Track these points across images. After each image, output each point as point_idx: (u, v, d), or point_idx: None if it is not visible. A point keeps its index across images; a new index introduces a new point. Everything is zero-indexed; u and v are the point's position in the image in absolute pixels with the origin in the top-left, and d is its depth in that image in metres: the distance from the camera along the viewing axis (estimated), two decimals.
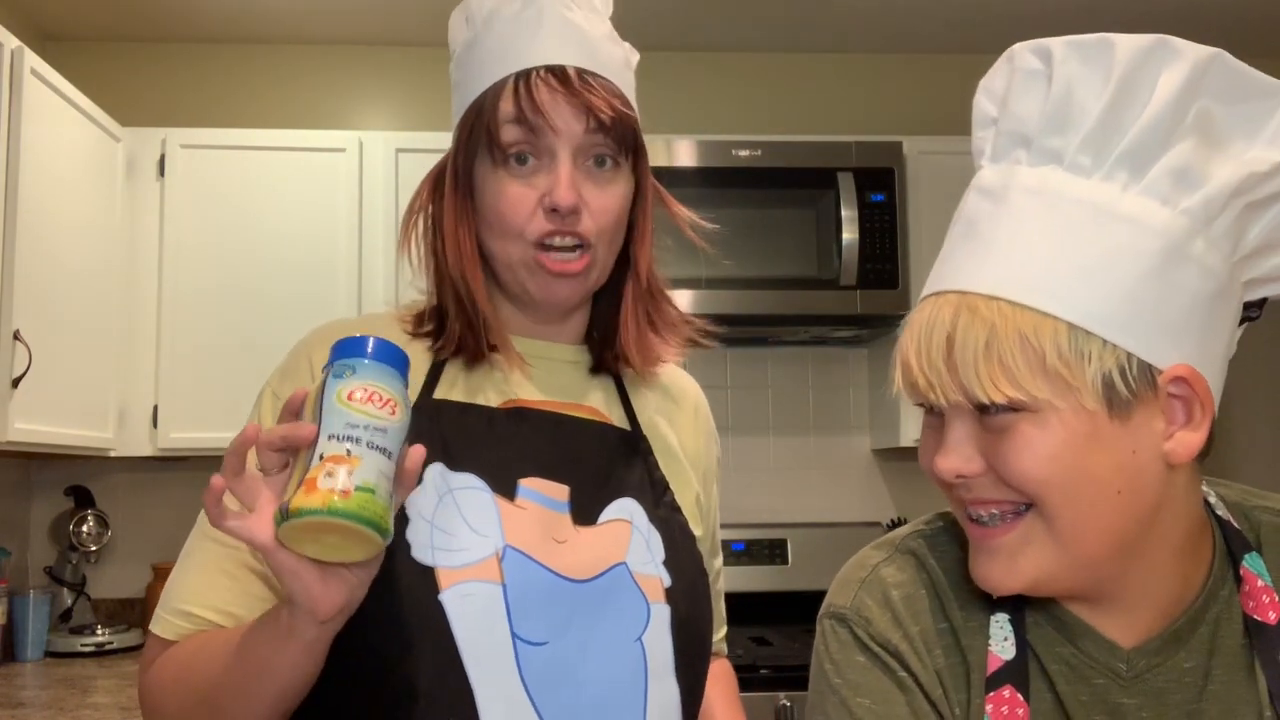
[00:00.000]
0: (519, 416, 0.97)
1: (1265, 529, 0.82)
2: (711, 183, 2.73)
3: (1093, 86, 0.73)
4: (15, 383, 2.15)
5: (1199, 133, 0.72)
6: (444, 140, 2.99)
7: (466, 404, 0.96)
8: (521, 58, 0.93)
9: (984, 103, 0.81)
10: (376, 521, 0.71)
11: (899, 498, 3.18)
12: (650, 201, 1.02)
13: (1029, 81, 0.76)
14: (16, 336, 2.16)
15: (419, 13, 2.97)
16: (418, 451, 0.77)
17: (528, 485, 0.94)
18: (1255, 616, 0.78)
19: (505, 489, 0.93)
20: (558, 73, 0.92)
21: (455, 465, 0.92)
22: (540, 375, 1.01)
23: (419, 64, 3.16)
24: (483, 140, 0.94)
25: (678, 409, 1.10)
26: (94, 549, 2.82)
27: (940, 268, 0.77)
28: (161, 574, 2.82)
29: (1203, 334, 0.72)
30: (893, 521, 3.09)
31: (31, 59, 2.23)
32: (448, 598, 0.87)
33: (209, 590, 0.90)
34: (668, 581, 0.96)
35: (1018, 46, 0.78)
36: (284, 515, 0.71)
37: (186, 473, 2.96)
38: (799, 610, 2.71)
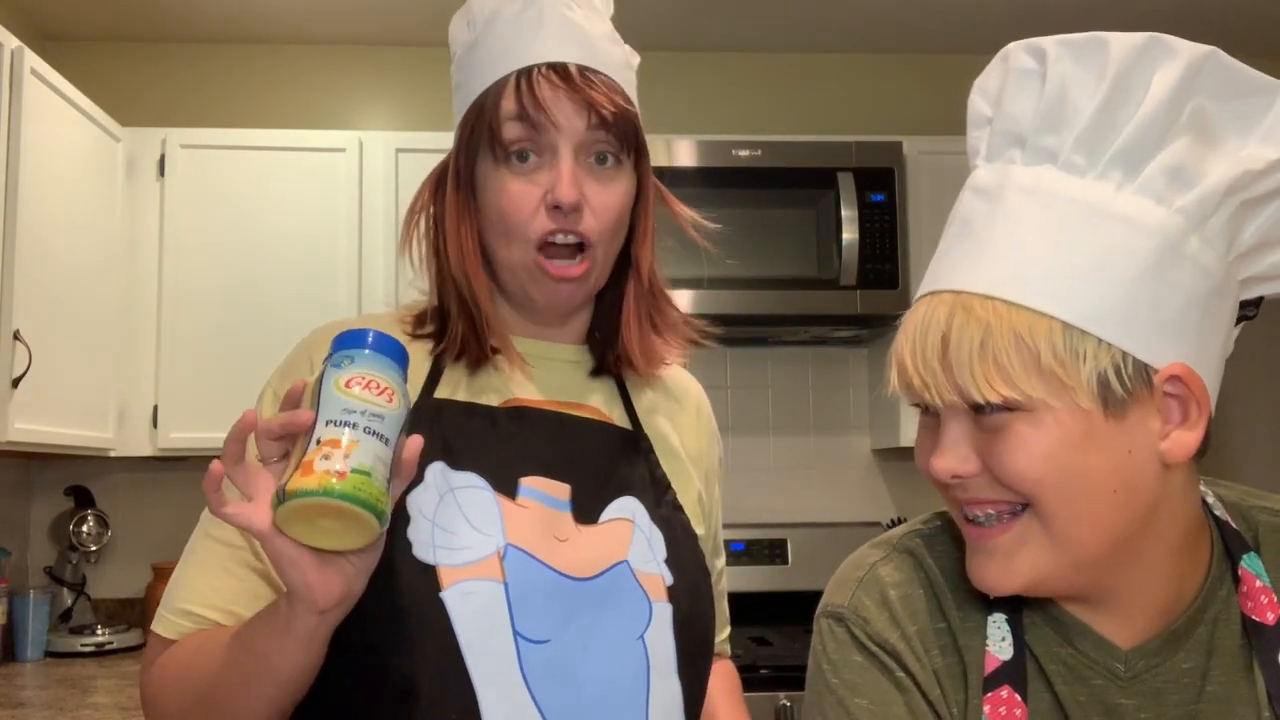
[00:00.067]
0: (520, 416, 0.97)
1: (1263, 529, 0.82)
2: (711, 183, 2.73)
3: (1086, 85, 0.73)
4: (15, 383, 2.15)
5: (1193, 131, 0.72)
6: (444, 140, 2.98)
7: (468, 403, 0.96)
8: (523, 56, 0.94)
9: (978, 102, 0.81)
10: (372, 504, 0.72)
11: (899, 498, 3.18)
12: (651, 200, 1.02)
13: (1023, 81, 0.76)
14: (16, 336, 2.16)
15: (419, 13, 2.97)
16: (415, 442, 0.77)
17: (529, 484, 0.94)
18: (1253, 617, 0.78)
19: (507, 488, 0.93)
20: (559, 69, 0.93)
21: (456, 464, 0.92)
22: (541, 375, 1.01)
23: (419, 64, 3.16)
24: (484, 138, 0.94)
25: (679, 409, 1.10)
26: (94, 549, 2.82)
27: (935, 267, 0.77)
28: (161, 574, 2.82)
29: (1198, 333, 0.72)
30: (892, 521, 3.09)
31: (31, 59, 2.24)
32: (449, 596, 0.87)
33: (211, 589, 0.91)
34: (669, 580, 0.96)
35: (1012, 46, 0.78)
36: (280, 498, 0.72)
37: (186, 473, 2.96)
38: (799, 610, 2.71)
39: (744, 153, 2.75)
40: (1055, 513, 0.72)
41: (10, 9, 2.85)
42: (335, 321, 1.03)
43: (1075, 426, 0.70)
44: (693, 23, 3.07)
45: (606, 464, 0.98)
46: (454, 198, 0.97)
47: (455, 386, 0.97)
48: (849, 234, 2.72)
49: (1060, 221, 0.72)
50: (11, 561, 2.68)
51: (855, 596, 0.83)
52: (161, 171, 2.71)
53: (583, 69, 0.93)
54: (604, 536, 0.95)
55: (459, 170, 0.97)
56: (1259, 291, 0.77)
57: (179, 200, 2.70)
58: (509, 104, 0.92)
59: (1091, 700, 0.77)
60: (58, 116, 2.38)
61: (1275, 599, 0.78)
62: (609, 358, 1.03)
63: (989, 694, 0.77)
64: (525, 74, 0.93)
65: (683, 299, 2.65)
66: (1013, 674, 0.77)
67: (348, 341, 0.78)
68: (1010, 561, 0.74)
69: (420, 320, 1.01)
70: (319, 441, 0.72)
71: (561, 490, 0.95)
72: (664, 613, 0.94)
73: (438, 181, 1.01)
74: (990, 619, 0.80)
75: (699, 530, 1.03)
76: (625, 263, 1.01)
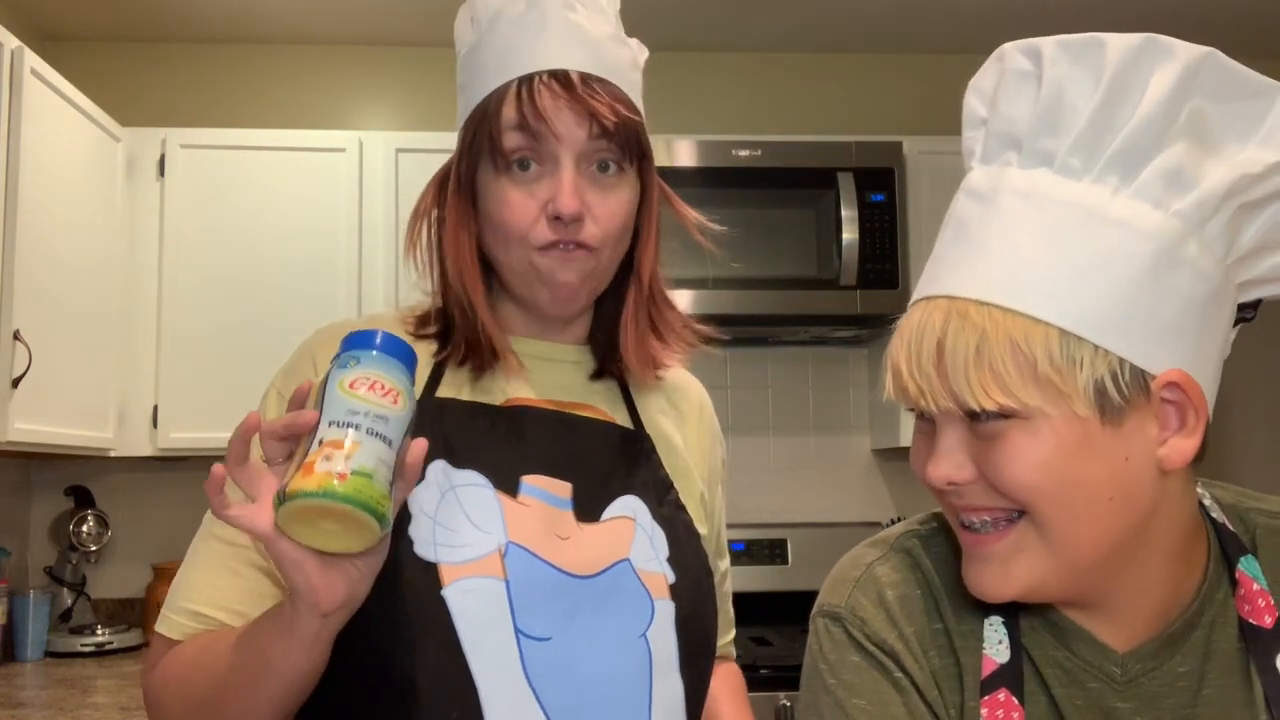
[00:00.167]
0: (522, 414, 0.97)
1: (1261, 531, 0.82)
2: (711, 183, 2.73)
3: (1083, 87, 0.72)
4: (15, 383, 2.15)
5: (1191, 133, 0.71)
6: (444, 140, 2.96)
7: (470, 402, 0.97)
8: (524, 62, 0.93)
9: (974, 103, 0.80)
10: (373, 506, 0.71)
11: (899, 498, 3.18)
12: (655, 206, 1.01)
13: (1018, 82, 0.75)
14: (16, 336, 2.16)
15: (419, 13, 2.97)
16: (419, 445, 0.77)
17: (530, 482, 0.94)
18: (1251, 620, 0.77)
19: (508, 486, 0.93)
20: (560, 78, 0.92)
21: (458, 462, 0.92)
22: (543, 375, 1.01)
23: (419, 64, 3.16)
24: (485, 146, 0.94)
25: (682, 409, 1.10)
26: (94, 549, 2.82)
27: (931, 271, 0.77)
28: (161, 574, 2.82)
29: (1196, 338, 0.71)
30: (892, 522, 3.08)
31: (31, 59, 2.24)
32: (450, 593, 0.87)
33: (215, 589, 0.90)
34: (672, 578, 0.96)
35: (1007, 46, 0.77)
36: (281, 498, 0.71)
37: (186, 473, 2.96)
38: (799, 610, 2.71)
39: (744, 153, 2.75)
40: (1051, 520, 0.71)
41: (10, 9, 2.85)
42: (339, 322, 1.03)
43: (1071, 434, 0.70)
44: (693, 23, 3.07)
45: (608, 463, 0.98)
46: (455, 202, 0.97)
47: (457, 386, 0.98)
48: (849, 234, 2.72)
49: (1056, 225, 0.71)
50: (11, 561, 2.68)
51: (852, 596, 0.82)
52: (161, 171, 2.71)
53: (585, 76, 0.93)
54: (605, 535, 0.95)
55: (460, 175, 0.97)
56: (1257, 294, 0.77)
57: (179, 200, 2.70)
58: (510, 112, 0.92)
59: (1088, 704, 0.77)
60: (58, 116, 2.38)
61: (1272, 602, 0.77)
62: (609, 359, 1.03)
63: (986, 697, 0.76)
64: (526, 82, 0.92)
65: (683, 299, 2.65)
66: (1010, 677, 0.77)
67: (355, 342, 0.77)
68: (1006, 569, 0.74)
69: (423, 321, 1.01)
70: (321, 442, 0.72)
71: (563, 489, 0.95)
72: (666, 611, 0.94)
73: (440, 185, 1.01)
74: (987, 621, 0.79)
75: (702, 530, 1.03)
76: (627, 267, 1.01)
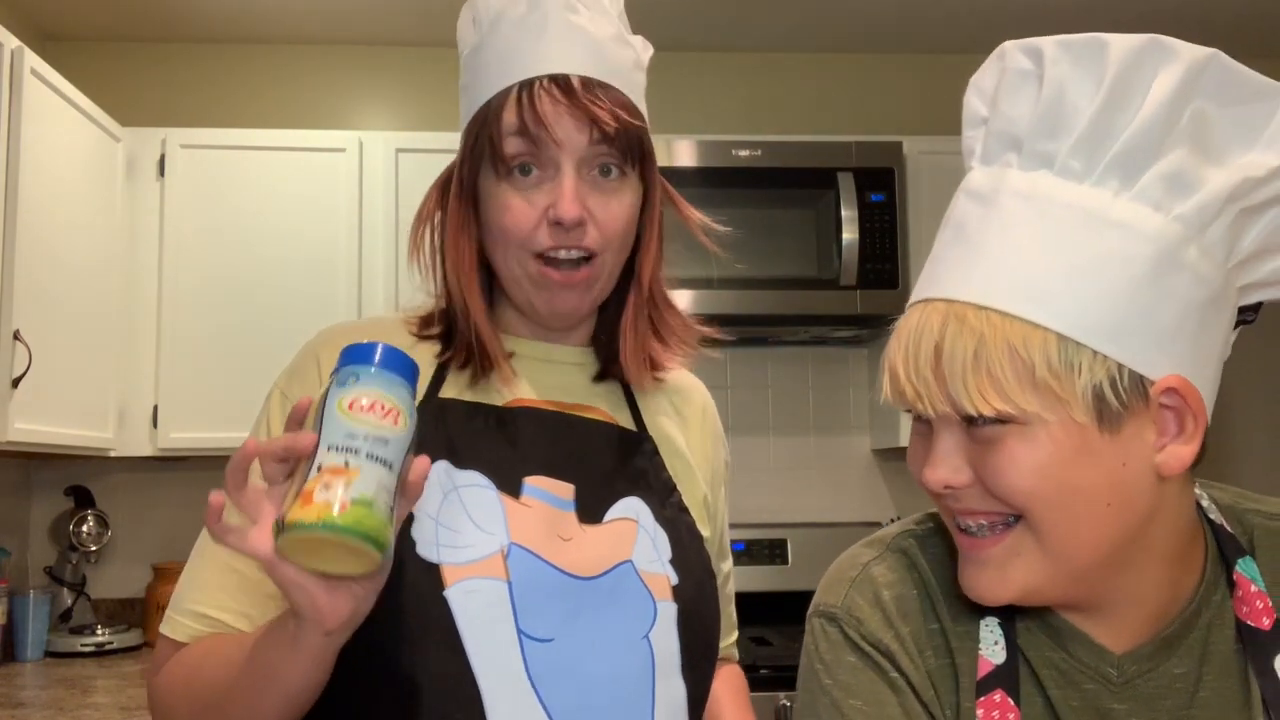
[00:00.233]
0: (525, 415, 0.97)
1: (1259, 533, 0.81)
2: (711, 183, 2.73)
3: (1085, 88, 0.71)
4: (15, 383, 2.15)
5: (1193, 136, 0.70)
6: (444, 140, 2.96)
7: (472, 403, 0.96)
8: (525, 66, 0.92)
9: (974, 101, 0.79)
10: (373, 536, 0.69)
11: (899, 498, 3.18)
12: (657, 210, 1.01)
13: (1019, 82, 0.74)
14: (16, 336, 2.16)
15: (419, 13, 2.97)
16: (422, 463, 0.75)
17: (533, 483, 0.94)
18: (1249, 622, 0.77)
19: (510, 487, 0.93)
20: (561, 83, 0.91)
21: (460, 463, 0.92)
22: (546, 377, 1.01)
23: (419, 64, 3.16)
24: (486, 151, 0.93)
25: (685, 411, 1.10)
26: (94, 549, 2.82)
27: (929, 273, 0.76)
28: (161, 574, 2.82)
29: (1195, 342, 0.71)
30: (892, 522, 3.09)
31: (31, 59, 2.23)
32: (453, 594, 0.87)
33: (219, 590, 0.90)
34: (674, 580, 0.95)
35: (1008, 44, 0.76)
36: (280, 528, 0.70)
37: (186, 473, 2.96)
38: (799, 610, 2.70)
39: (744, 153, 2.75)
40: (1048, 525, 0.71)
41: (10, 9, 2.85)
42: (343, 324, 1.03)
43: (1069, 440, 0.69)
44: (693, 23, 3.07)
45: (611, 464, 0.98)
46: (456, 207, 0.97)
47: (460, 386, 0.97)
48: (849, 234, 2.71)
49: (1056, 228, 0.71)
50: (11, 561, 2.68)
51: (849, 596, 0.82)
52: (161, 171, 2.71)
53: (586, 81, 0.92)
54: (608, 536, 0.94)
55: (462, 180, 0.97)
56: (1258, 297, 0.76)
57: (179, 200, 2.70)
58: (510, 117, 0.92)
59: (1084, 705, 0.77)
60: (58, 116, 2.38)
61: (1270, 604, 0.77)
62: (612, 361, 1.02)
63: (982, 698, 0.76)
64: (527, 87, 0.92)
65: (682, 299, 2.65)
66: (1005, 678, 0.76)
67: (354, 356, 0.74)
68: (1002, 572, 0.73)
69: (427, 322, 1.01)
70: (320, 468, 0.70)
71: (565, 490, 0.95)
72: (669, 612, 0.94)
73: (442, 189, 1.00)
74: (983, 622, 0.79)
75: (704, 532, 1.03)
76: (628, 271, 1.00)
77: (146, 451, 2.67)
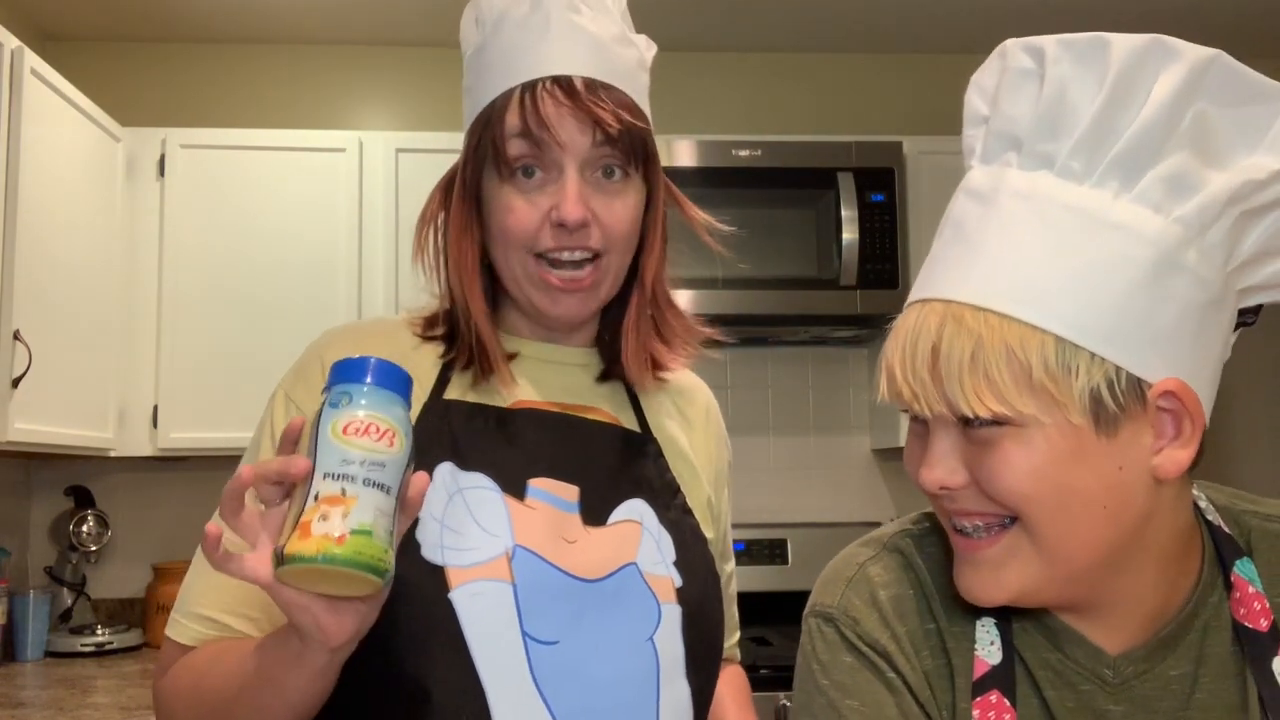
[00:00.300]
0: (529, 417, 0.97)
1: (1256, 534, 0.81)
2: (711, 183, 2.73)
3: (1086, 88, 0.71)
4: (15, 383, 2.15)
5: (1195, 138, 0.70)
6: (444, 140, 2.95)
7: (476, 404, 0.96)
8: (528, 68, 0.92)
9: (975, 100, 0.79)
10: (374, 564, 0.69)
11: (899, 498, 3.18)
12: (660, 211, 1.01)
13: (1021, 81, 0.74)
14: (16, 336, 2.16)
15: (419, 13, 2.97)
16: (420, 480, 0.75)
17: (537, 485, 0.94)
18: (1246, 624, 0.77)
19: (515, 489, 0.93)
20: (564, 84, 0.91)
21: (465, 465, 0.92)
22: (550, 378, 1.00)
23: (419, 64, 3.16)
24: (489, 153, 0.93)
25: (688, 412, 1.10)
26: (94, 549, 2.82)
27: (927, 272, 0.76)
28: (161, 574, 2.82)
29: (1194, 345, 0.70)
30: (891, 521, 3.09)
31: (31, 59, 2.23)
32: (458, 596, 0.87)
33: (224, 593, 0.90)
34: (679, 582, 0.95)
35: (1010, 43, 0.76)
36: (279, 560, 0.69)
37: (186, 473, 2.96)
38: (799, 610, 2.70)
39: (744, 153, 2.75)
40: (1044, 528, 0.71)
41: (10, 9, 2.85)
42: (348, 325, 1.03)
43: (1065, 443, 0.69)
44: (693, 23, 3.07)
45: (615, 466, 0.98)
46: (459, 209, 0.97)
47: (464, 387, 0.97)
48: (849, 234, 2.72)
49: (1056, 229, 0.70)
50: (11, 561, 2.68)
51: (845, 596, 0.81)
52: (161, 171, 2.71)
53: (589, 82, 0.92)
54: (612, 538, 0.94)
55: (465, 181, 0.97)
56: (1258, 300, 0.76)
57: (179, 200, 2.70)
58: (513, 119, 0.91)
59: (1080, 706, 0.76)
60: (58, 116, 2.38)
61: (1267, 605, 0.77)
62: (616, 362, 1.02)
63: (978, 698, 0.76)
64: (530, 88, 0.91)
65: (682, 299, 2.65)
66: (1001, 679, 0.76)
67: (346, 374, 0.73)
68: (998, 574, 0.73)
69: (430, 323, 1.00)
70: (316, 497, 0.68)
71: (570, 492, 0.95)
72: (673, 615, 0.94)
73: (446, 190, 1.00)
74: (979, 623, 0.79)
75: (708, 534, 1.03)
76: (631, 272, 1.00)
77: (146, 451, 2.67)
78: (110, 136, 2.62)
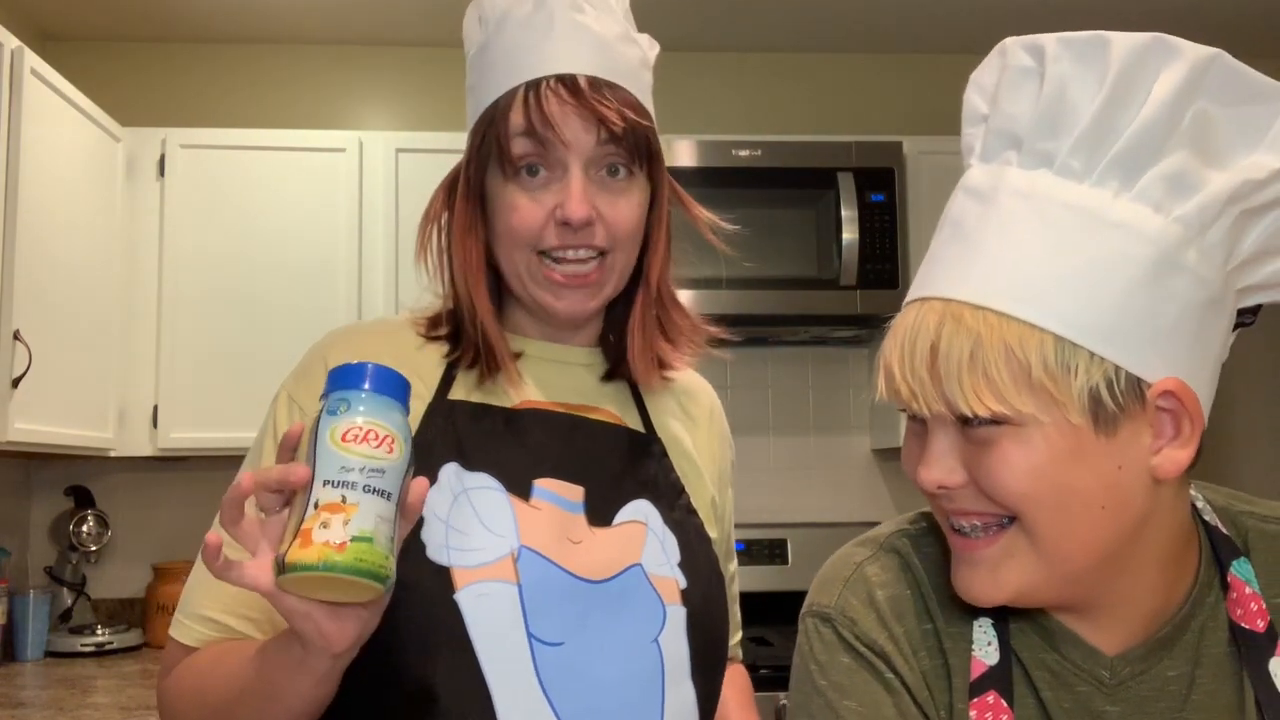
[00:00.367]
0: (534, 417, 0.97)
1: (1253, 535, 0.81)
2: (711, 183, 2.73)
3: (1086, 87, 0.70)
4: (15, 383, 2.15)
5: (1195, 137, 0.70)
6: (444, 140, 2.95)
7: (481, 405, 0.96)
8: (532, 66, 0.92)
9: (974, 98, 0.78)
10: (375, 571, 0.69)
11: (899, 498, 3.18)
12: (665, 210, 1.00)
13: (1020, 79, 0.74)
14: (16, 336, 2.16)
15: (419, 13, 2.97)
16: (420, 485, 0.75)
17: (542, 486, 0.93)
18: (1243, 625, 0.76)
19: (520, 489, 0.92)
20: (568, 83, 0.91)
21: (470, 465, 0.92)
22: (555, 378, 1.00)
23: (419, 64, 3.16)
24: (493, 152, 0.93)
25: (692, 412, 1.09)
26: (94, 549, 2.82)
27: (926, 271, 0.76)
28: (162, 574, 2.82)
29: (1193, 344, 0.70)
30: None
31: (31, 59, 2.23)
32: (463, 597, 0.86)
33: (227, 594, 0.89)
34: (683, 583, 0.95)
35: (1010, 41, 0.75)
36: (280, 568, 0.69)
37: (186, 473, 2.96)
38: (799, 610, 2.71)
39: (744, 153, 2.75)
40: (1042, 528, 0.70)
41: (10, 9, 2.85)
42: (352, 325, 1.03)
43: (1064, 443, 0.69)
44: (693, 22, 3.07)
45: (620, 466, 0.98)
46: (463, 208, 0.97)
47: (469, 387, 0.97)
48: (849, 234, 2.72)
49: (1055, 228, 0.70)
50: (11, 561, 2.68)
51: (842, 596, 0.81)
52: (161, 171, 2.71)
53: (593, 80, 0.92)
54: (617, 539, 0.94)
55: (469, 180, 0.97)
56: (1257, 300, 0.75)
57: (179, 200, 2.70)
58: (517, 118, 0.91)
59: (1077, 707, 0.76)
60: (58, 116, 2.38)
61: (1264, 606, 0.77)
62: (620, 362, 1.02)
63: (975, 699, 0.76)
64: (533, 87, 0.91)
65: (682, 299, 2.64)
66: (999, 679, 0.76)
67: (343, 381, 0.72)
68: (996, 574, 0.73)
69: (434, 323, 1.00)
70: (316, 505, 0.68)
71: (575, 492, 0.95)
72: (678, 616, 0.94)
73: (449, 189, 1.00)
74: (976, 623, 0.79)
75: (712, 534, 1.02)
76: (635, 271, 1.00)
77: (146, 451, 2.67)
78: (110, 136, 2.62)
